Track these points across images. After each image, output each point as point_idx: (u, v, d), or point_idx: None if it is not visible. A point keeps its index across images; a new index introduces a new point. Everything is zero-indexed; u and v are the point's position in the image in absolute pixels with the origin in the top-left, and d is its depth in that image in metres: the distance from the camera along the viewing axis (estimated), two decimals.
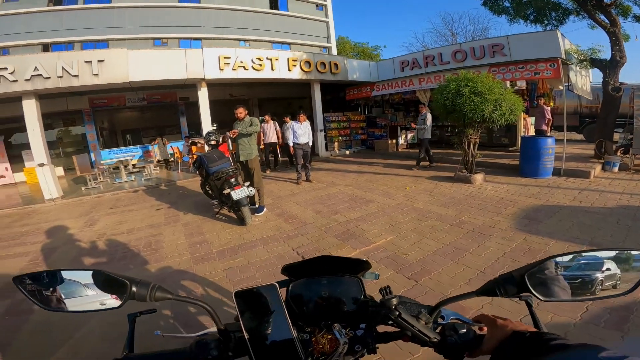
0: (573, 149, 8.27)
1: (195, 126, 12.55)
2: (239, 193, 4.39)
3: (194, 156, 7.93)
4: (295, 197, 6.13)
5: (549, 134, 7.86)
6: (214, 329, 0.71)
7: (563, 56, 7.13)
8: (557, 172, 6.13)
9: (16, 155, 10.92)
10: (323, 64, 10.70)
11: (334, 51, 18.83)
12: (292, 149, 7.07)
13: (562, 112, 6.70)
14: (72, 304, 0.62)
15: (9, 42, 12.54)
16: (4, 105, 9.34)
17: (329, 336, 0.71)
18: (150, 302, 0.64)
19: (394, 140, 11.46)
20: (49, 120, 9.98)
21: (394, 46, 48.96)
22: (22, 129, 8.97)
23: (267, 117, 8.89)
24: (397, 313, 0.64)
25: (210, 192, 5.33)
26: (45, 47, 12.98)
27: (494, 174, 6.59)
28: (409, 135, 11.30)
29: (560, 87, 8.33)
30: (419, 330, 0.64)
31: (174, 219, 5.37)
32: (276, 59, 9.72)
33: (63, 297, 0.62)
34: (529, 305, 0.69)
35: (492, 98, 5.37)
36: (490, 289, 0.63)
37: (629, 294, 0.58)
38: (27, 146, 9.41)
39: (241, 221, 4.63)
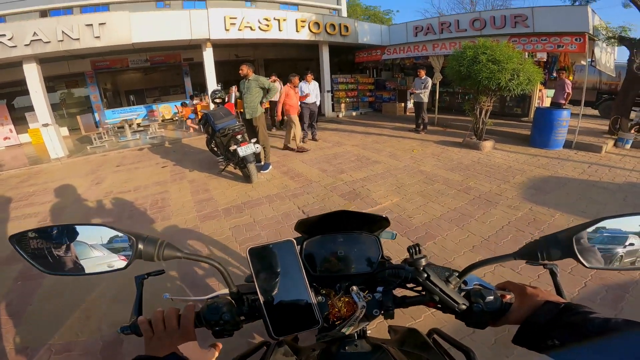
0: (587, 123, 8.03)
1: (199, 86, 12.44)
2: (246, 149, 4.38)
3: (200, 114, 7.89)
4: (301, 156, 6.14)
5: (565, 107, 7.67)
6: (225, 291, 0.68)
7: (591, 32, 6.88)
8: (568, 145, 6.00)
9: (19, 117, 10.90)
10: (332, 25, 10.38)
11: (344, 13, 17.84)
12: (299, 109, 7.08)
13: (581, 87, 6.51)
14: (74, 266, 0.55)
15: (4, 10, 12.04)
16: (4, 71, 9.31)
17: (346, 299, 0.67)
18: (159, 262, 0.58)
19: (402, 104, 11.38)
20: (51, 83, 9.93)
21: (407, 11, 46.27)
22: (24, 92, 8.96)
23: (273, 77, 8.80)
24: (426, 275, 0.58)
25: (216, 149, 5.32)
26: (43, 13, 12.40)
27: (503, 142, 6.50)
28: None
29: (583, 62, 8.12)
30: (447, 295, 0.58)
31: (179, 176, 5.40)
32: (284, 20, 9.42)
33: (64, 257, 0.55)
34: (554, 275, 0.64)
35: (510, 67, 5.32)
36: (530, 252, 0.56)
37: None
38: (29, 109, 9.37)
39: (247, 178, 4.67)
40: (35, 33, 6.99)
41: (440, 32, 9.66)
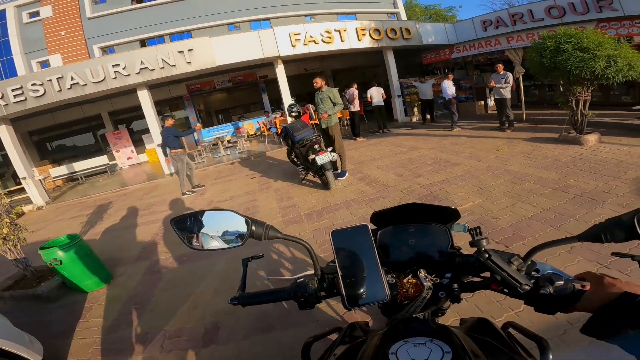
0: None
1: (275, 101, 13.42)
2: (323, 158, 4.67)
3: (280, 127, 8.54)
4: (376, 162, 6.22)
5: None
6: (310, 271, 0.78)
7: None
8: None
9: (137, 139, 13.23)
10: (393, 30, 10.31)
11: (403, 16, 17.35)
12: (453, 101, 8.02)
13: None
14: (205, 242, 0.71)
15: (111, 41, 13.90)
16: (122, 98, 11.18)
17: (414, 281, 0.72)
18: (264, 241, 0.72)
19: (482, 102, 10.64)
20: (158, 107, 11.44)
21: (470, 6, 42.50)
22: (139, 117, 10.63)
23: (354, 86, 9.06)
24: (487, 255, 0.61)
25: (295, 159, 5.77)
26: (142, 43, 14.15)
27: (611, 134, 5.55)
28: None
29: None
30: (509, 274, 0.59)
31: (265, 186, 6.03)
32: (344, 30, 9.68)
33: (200, 235, 0.71)
34: None
35: (604, 54, 4.72)
36: (594, 234, 0.58)
37: None
38: (144, 131, 11.21)
39: (325, 185, 4.96)
40: (142, 62, 8.17)
41: (513, 24, 9.19)
